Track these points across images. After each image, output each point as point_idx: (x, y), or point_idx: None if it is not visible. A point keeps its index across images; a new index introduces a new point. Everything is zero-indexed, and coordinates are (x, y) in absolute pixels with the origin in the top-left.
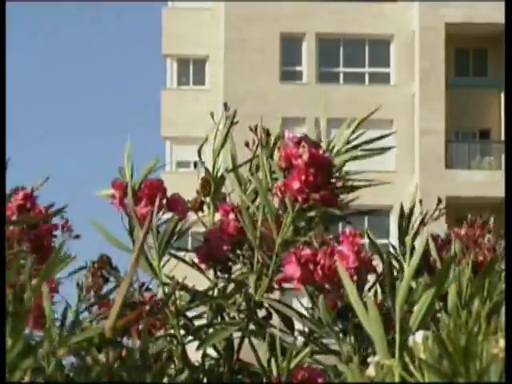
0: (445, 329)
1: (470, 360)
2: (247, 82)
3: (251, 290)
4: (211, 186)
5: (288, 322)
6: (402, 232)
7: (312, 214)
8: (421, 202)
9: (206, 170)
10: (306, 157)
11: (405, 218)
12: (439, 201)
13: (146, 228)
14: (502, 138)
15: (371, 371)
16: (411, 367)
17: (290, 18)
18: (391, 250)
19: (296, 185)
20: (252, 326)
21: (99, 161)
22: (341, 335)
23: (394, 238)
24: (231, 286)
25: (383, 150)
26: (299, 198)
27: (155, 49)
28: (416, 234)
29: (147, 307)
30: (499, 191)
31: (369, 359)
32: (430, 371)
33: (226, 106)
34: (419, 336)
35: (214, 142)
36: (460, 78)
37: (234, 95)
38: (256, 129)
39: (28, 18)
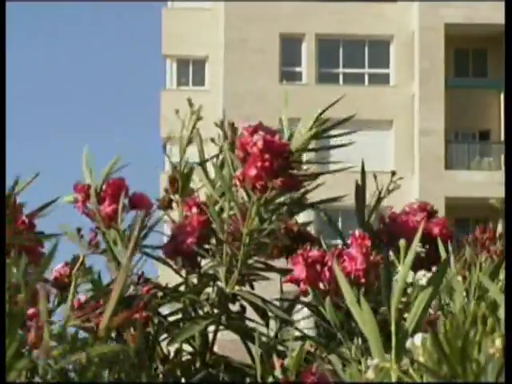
0: (442, 330)
1: (466, 361)
2: (247, 82)
3: (222, 284)
4: (179, 183)
5: (262, 313)
6: (360, 211)
7: (277, 201)
8: (375, 177)
9: (174, 166)
10: (260, 143)
11: (360, 197)
12: (393, 173)
13: (139, 227)
14: (502, 138)
15: (370, 374)
16: (410, 370)
17: (290, 19)
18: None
19: (252, 172)
20: (231, 321)
21: (99, 161)
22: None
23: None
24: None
25: (339, 136)
26: (257, 185)
27: (155, 49)
28: (373, 210)
29: (144, 300)
30: (499, 192)
31: (368, 362)
32: (429, 375)
33: (189, 101)
34: (418, 338)
35: (180, 140)
36: (460, 79)
37: (233, 96)
38: (222, 124)
39: (28, 17)
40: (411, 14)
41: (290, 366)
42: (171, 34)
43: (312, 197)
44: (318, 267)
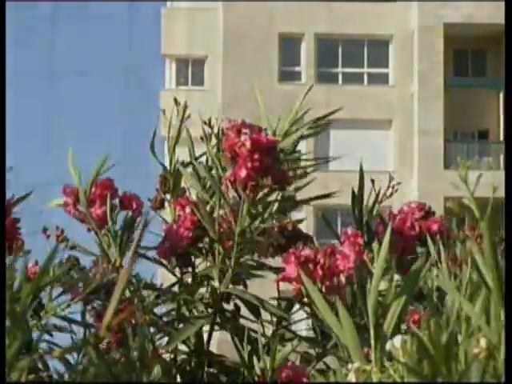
0: (426, 329)
1: (451, 360)
2: (246, 82)
3: (216, 283)
4: (169, 182)
5: (255, 312)
6: (357, 213)
7: (269, 199)
8: (373, 182)
9: (163, 166)
10: (248, 144)
11: (357, 199)
12: (391, 177)
13: (140, 230)
14: (501, 138)
15: (352, 377)
16: (390, 371)
17: (289, 18)
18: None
19: (243, 173)
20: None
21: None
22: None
23: None
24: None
25: (325, 126)
26: (249, 185)
27: (154, 49)
28: (371, 212)
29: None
30: (498, 192)
31: (349, 366)
32: (411, 374)
33: (176, 100)
34: (397, 340)
35: (168, 139)
36: (459, 79)
37: (232, 95)
38: (210, 122)
39: (28, 18)
40: (410, 13)
41: (268, 365)
42: (170, 34)
43: (306, 196)
44: (311, 266)
